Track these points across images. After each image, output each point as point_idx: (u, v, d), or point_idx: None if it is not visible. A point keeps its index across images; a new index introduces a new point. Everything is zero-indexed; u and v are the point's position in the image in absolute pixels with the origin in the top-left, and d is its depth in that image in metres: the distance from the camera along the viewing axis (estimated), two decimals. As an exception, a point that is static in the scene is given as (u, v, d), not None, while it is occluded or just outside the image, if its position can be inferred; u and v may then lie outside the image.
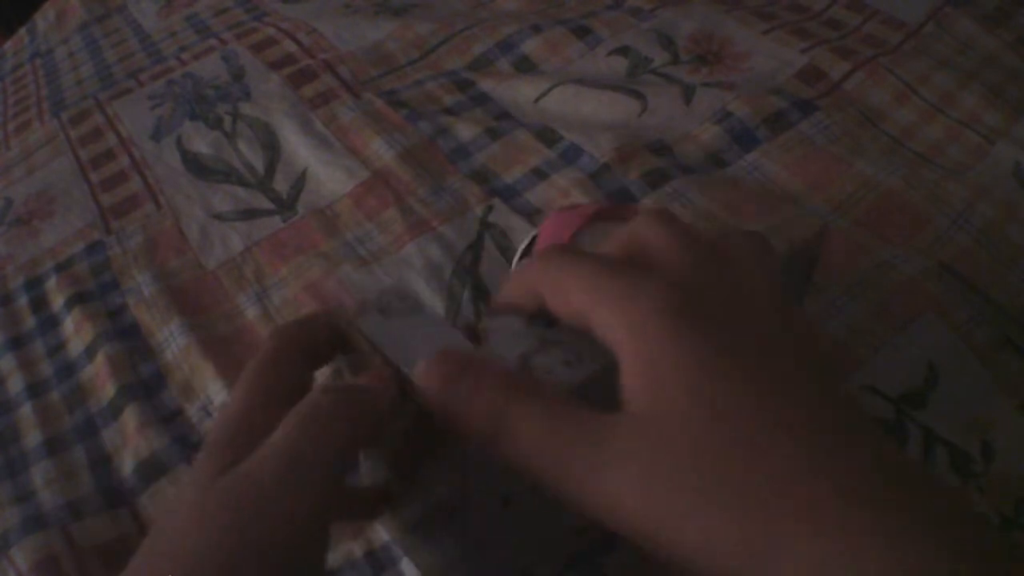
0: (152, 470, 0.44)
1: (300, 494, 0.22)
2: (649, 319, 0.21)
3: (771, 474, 0.20)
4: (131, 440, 0.46)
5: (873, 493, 0.19)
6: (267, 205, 0.60)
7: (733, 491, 0.20)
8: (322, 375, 0.30)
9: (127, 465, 0.45)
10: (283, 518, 0.22)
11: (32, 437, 0.48)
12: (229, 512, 0.22)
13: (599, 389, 0.23)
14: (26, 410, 0.49)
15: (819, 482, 0.19)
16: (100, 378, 0.50)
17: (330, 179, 0.60)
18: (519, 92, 0.65)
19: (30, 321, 0.55)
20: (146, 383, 0.49)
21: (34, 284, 0.58)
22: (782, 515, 0.19)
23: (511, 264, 0.51)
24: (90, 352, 0.51)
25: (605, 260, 0.24)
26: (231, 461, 0.23)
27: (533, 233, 0.43)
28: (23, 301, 0.57)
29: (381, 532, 0.40)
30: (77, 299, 0.55)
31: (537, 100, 0.64)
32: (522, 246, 0.44)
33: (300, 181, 0.61)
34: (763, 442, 0.20)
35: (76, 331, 0.53)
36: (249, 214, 0.59)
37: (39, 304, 0.56)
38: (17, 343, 0.54)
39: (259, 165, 0.63)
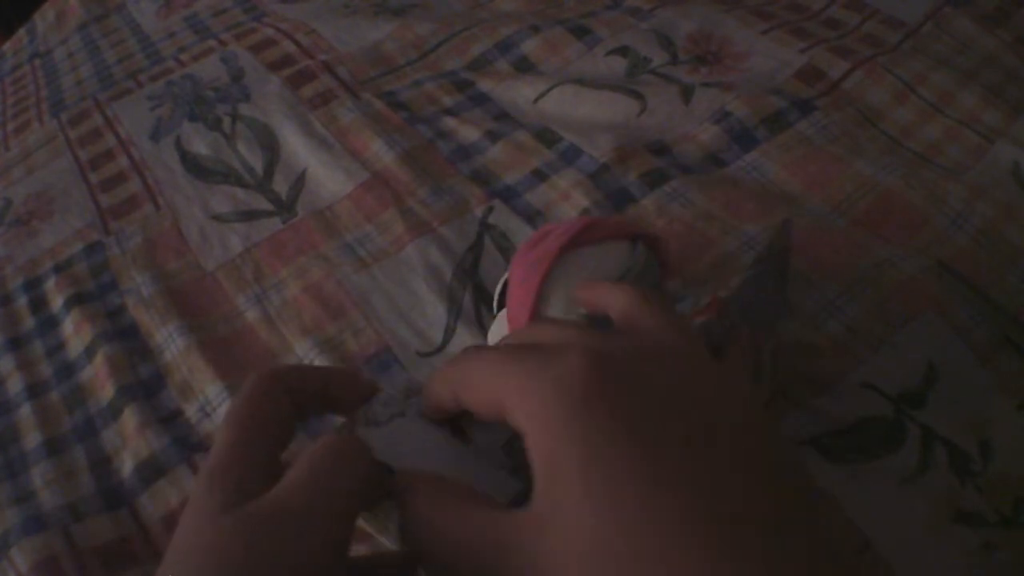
0: (152, 471, 0.44)
1: (327, 528, 0.22)
2: (545, 409, 0.21)
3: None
4: (131, 441, 0.46)
5: None
6: (266, 206, 0.60)
7: None
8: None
9: (127, 466, 0.45)
10: (308, 554, 0.22)
11: (32, 438, 0.48)
12: (247, 550, 0.22)
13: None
14: (26, 411, 0.49)
15: None
16: (99, 379, 0.50)
17: (330, 180, 0.60)
18: (518, 92, 0.65)
19: (29, 322, 0.55)
20: (145, 384, 0.49)
21: (33, 284, 0.58)
22: None
23: (510, 264, 0.51)
24: (89, 353, 0.51)
25: (512, 348, 0.24)
26: (236, 493, 0.23)
27: (504, 279, 0.42)
28: (22, 301, 0.57)
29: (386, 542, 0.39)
30: (76, 300, 0.55)
31: (536, 100, 0.64)
32: (497, 291, 0.43)
33: (299, 182, 0.61)
34: (646, 546, 0.19)
35: (75, 332, 0.53)
36: (248, 215, 0.59)
37: (38, 304, 0.56)
38: (16, 344, 0.54)
39: (258, 166, 0.63)
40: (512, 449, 0.26)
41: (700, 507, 0.19)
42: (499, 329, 0.41)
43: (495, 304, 0.43)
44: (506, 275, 0.41)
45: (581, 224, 0.39)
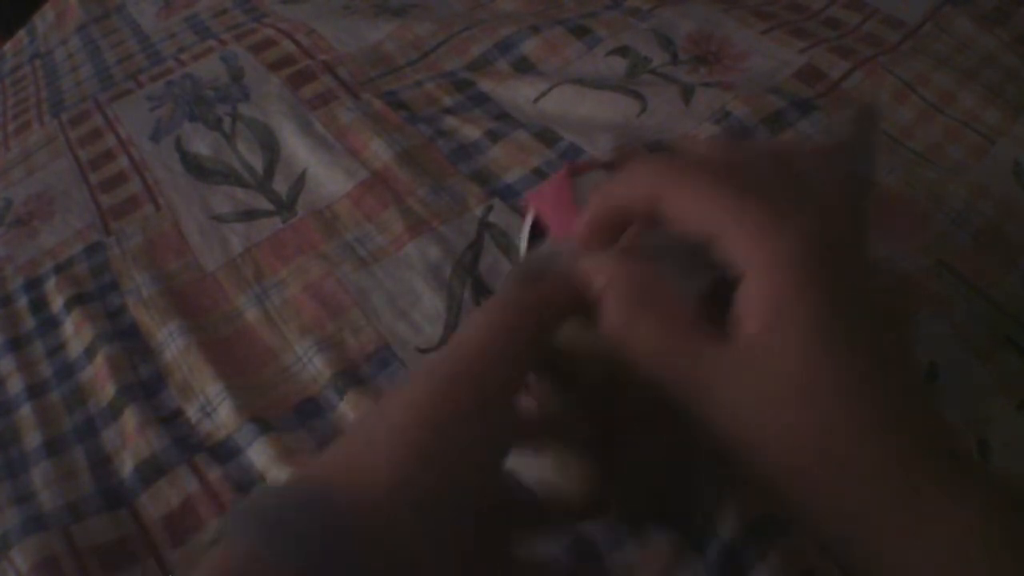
0: (152, 470, 0.44)
1: (498, 367, 0.24)
2: (790, 254, 0.22)
3: (863, 425, 0.21)
4: (131, 441, 0.46)
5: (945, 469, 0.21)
6: (266, 206, 0.60)
7: (824, 437, 0.21)
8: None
9: (127, 466, 0.45)
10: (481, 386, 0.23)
11: (32, 438, 0.48)
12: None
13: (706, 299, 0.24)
14: (26, 411, 0.49)
15: (902, 446, 0.21)
16: (100, 379, 0.50)
17: (329, 180, 0.60)
18: (518, 92, 0.65)
19: (30, 322, 0.55)
20: (146, 384, 0.49)
21: (34, 285, 0.58)
22: (863, 465, 0.20)
23: (514, 260, 0.51)
24: (90, 353, 0.51)
25: (748, 182, 0.23)
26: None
27: (531, 215, 0.41)
28: (23, 302, 0.57)
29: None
30: (77, 300, 0.55)
31: (536, 100, 0.64)
32: (525, 230, 0.42)
33: (299, 182, 0.61)
34: (864, 394, 0.21)
35: (76, 332, 0.53)
36: (248, 215, 0.59)
37: (39, 305, 0.56)
38: (17, 344, 0.54)
39: (258, 166, 0.63)
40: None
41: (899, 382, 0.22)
42: None
43: (523, 244, 0.42)
44: (526, 225, 0.40)
45: (569, 165, 0.39)
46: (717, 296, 0.24)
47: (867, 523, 0.21)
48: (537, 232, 0.40)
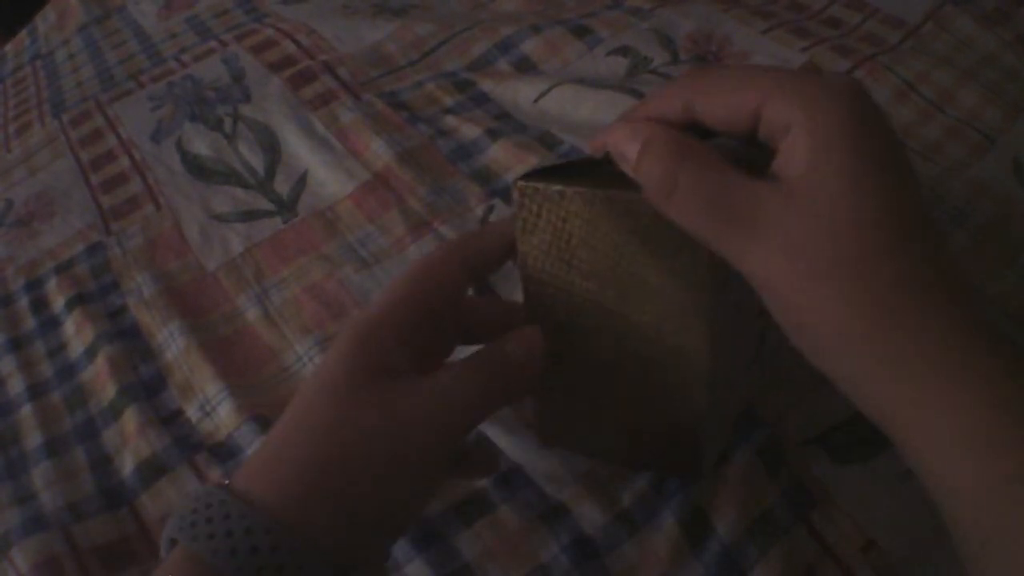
0: (152, 471, 0.44)
1: (451, 431, 0.26)
2: (831, 104, 0.22)
3: (898, 277, 0.21)
4: (131, 441, 0.46)
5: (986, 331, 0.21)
6: (267, 206, 0.60)
7: (863, 286, 0.21)
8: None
9: (127, 466, 0.45)
10: (425, 445, 0.25)
11: (33, 438, 0.48)
12: (383, 419, 0.25)
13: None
14: (26, 411, 0.49)
15: (926, 321, 0.21)
16: (100, 379, 0.50)
17: (331, 180, 0.60)
18: (519, 92, 0.65)
19: (30, 322, 0.55)
20: (146, 384, 0.49)
21: (34, 285, 0.58)
22: (901, 313, 0.21)
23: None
24: (90, 353, 0.51)
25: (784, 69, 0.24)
26: (380, 362, 0.26)
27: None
28: (23, 302, 0.57)
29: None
30: (77, 300, 0.55)
31: (537, 100, 0.64)
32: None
33: (300, 183, 0.61)
34: (903, 249, 0.22)
35: (76, 332, 0.53)
36: (249, 215, 0.59)
37: (39, 305, 0.56)
38: (17, 344, 0.54)
39: (259, 167, 0.63)
40: None
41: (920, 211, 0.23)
42: None
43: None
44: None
45: None
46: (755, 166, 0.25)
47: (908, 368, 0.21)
48: None
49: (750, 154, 0.25)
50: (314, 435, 0.25)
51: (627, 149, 0.25)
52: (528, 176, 0.30)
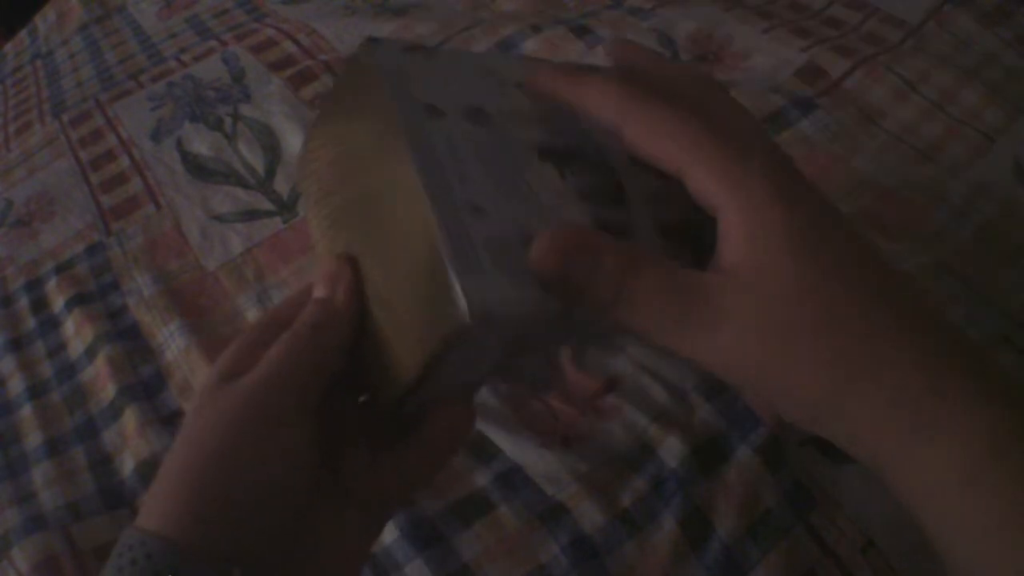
0: (152, 471, 0.44)
1: (278, 411, 0.26)
2: (757, 182, 0.23)
3: (856, 338, 0.22)
4: (131, 441, 0.46)
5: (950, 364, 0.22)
6: (268, 206, 0.60)
7: (822, 352, 0.22)
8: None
9: (127, 466, 0.45)
10: (277, 420, 0.26)
11: (33, 438, 0.48)
12: (218, 413, 0.26)
13: (687, 236, 0.25)
14: (27, 411, 0.49)
15: (900, 357, 0.21)
16: (100, 379, 0.50)
17: (330, 180, 0.60)
18: (519, 92, 0.65)
19: (31, 322, 0.55)
20: (146, 384, 0.49)
21: (35, 285, 0.58)
22: (859, 369, 0.21)
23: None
24: (90, 353, 0.51)
25: (705, 119, 0.24)
26: (231, 371, 0.28)
27: None
28: (24, 302, 0.57)
29: (385, 535, 0.40)
30: (77, 300, 0.55)
31: (537, 100, 0.64)
32: None
33: (300, 182, 0.61)
34: (854, 311, 0.22)
35: (76, 332, 0.53)
36: (249, 215, 0.59)
37: (40, 305, 0.56)
38: (18, 344, 0.54)
39: (259, 166, 0.63)
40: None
41: (875, 278, 0.23)
42: None
43: None
44: None
45: None
46: (690, 227, 0.25)
47: (882, 424, 0.22)
48: None
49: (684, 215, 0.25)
50: (183, 443, 0.27)
51: (551, 258, 0.23)
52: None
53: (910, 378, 0.21)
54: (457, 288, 0.22)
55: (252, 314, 0.52)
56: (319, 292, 0.28)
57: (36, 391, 0.51)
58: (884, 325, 0.22)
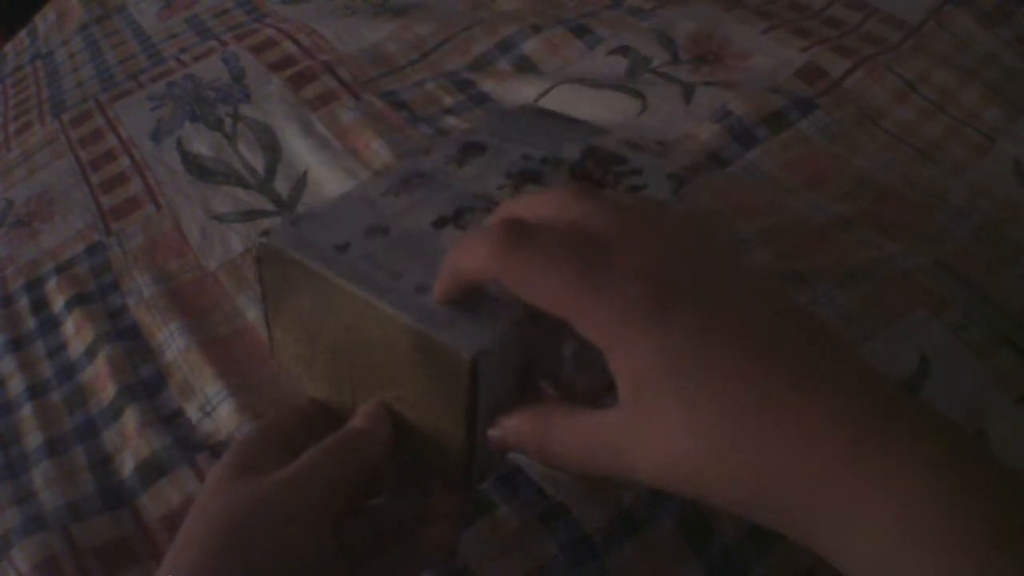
0: (152, 471, 0.44)
1: (321, 508, 0.28)
2: (622, 322, 0.23)
3: (756, 451, 0.22)
4: (131, 441, 0.46)
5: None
6: (268, 206, 0.60)
7: (724, 473, 0.23)
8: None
9: (127, 466, 0.45)
10: (299, 526, 0.27)
11: (33, 438, 0.48)
12: (250, 516, 0.27)
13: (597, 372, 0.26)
14: (27, 411, 0.49)
15: (809, 452, 0.22)
16: (100, 379, 0.50)
17: (331, 180, 0.60)
18: (519, 92, 0.65)
19: (30, 322, 0.55)
20: (146, 384, 0.49)
21: (35, 285, 0.58)
22: (766, 477, 0.22)
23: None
24: (90, 353, 0.51)
25: (575, 256, 0.24)
26: (250, 466, 0.29)
27: None
28: (24, 302, 0.57)
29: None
30: (77, 300, 0.55)
31: (537, 100, 0.64)
32: None
33: (301, 182, 0.61)
34: (750, 427, 0.22)
35: (76, 332, 0.53)
36: (250, 215, 0.59)
37: (40, 305, 0.56)
38: (18, 344, 0.54)
39: (260, 166, 0.63)
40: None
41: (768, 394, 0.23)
42: None
43: None
44: None
45: None
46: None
47: (810, 512, 0.22)
48: None
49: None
50: (204, 528, 0.28)
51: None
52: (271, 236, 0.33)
53: (819, 473, 0.21)
54: (447, 343, 0.27)
55: (252, 314, 0.52)
56: (366, 418, 0.32)
57: (36, 391, 0.51)
58: (784, 427, 0.22)
